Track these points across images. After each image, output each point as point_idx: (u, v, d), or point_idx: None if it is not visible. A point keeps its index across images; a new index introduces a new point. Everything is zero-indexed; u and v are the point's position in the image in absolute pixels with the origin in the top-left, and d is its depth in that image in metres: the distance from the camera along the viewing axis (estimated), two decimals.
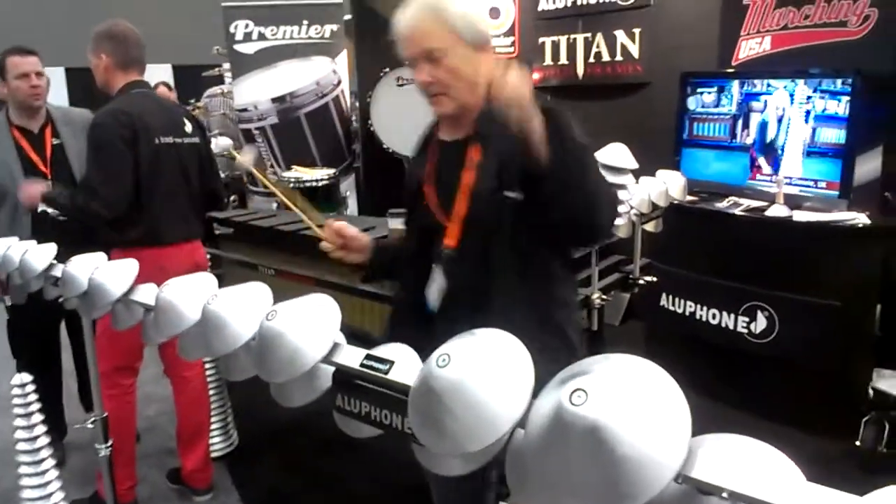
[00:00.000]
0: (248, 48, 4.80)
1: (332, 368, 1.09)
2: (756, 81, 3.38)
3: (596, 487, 0.75)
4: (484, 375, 0.86)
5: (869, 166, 3.12)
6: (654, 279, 3.04)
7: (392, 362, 1.01)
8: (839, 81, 3.01)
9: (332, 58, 4.88)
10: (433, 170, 1.62)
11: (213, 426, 2.99)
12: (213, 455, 2.96)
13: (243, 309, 1.20)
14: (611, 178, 2.15)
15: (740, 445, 0.83)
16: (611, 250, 2.98)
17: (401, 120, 4.51)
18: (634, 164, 2.22)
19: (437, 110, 1.55)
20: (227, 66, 5.32)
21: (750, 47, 3.65)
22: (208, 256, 2.89)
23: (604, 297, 2.45)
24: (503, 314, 1.32)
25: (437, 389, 0.87)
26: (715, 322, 3.27)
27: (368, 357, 1.04)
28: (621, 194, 2.19)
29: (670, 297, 3.47)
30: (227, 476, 2.93)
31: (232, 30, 4.78)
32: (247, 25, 4.75)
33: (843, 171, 3.02)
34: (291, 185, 4.27)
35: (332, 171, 4.44)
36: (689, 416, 0.77)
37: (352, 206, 4.85)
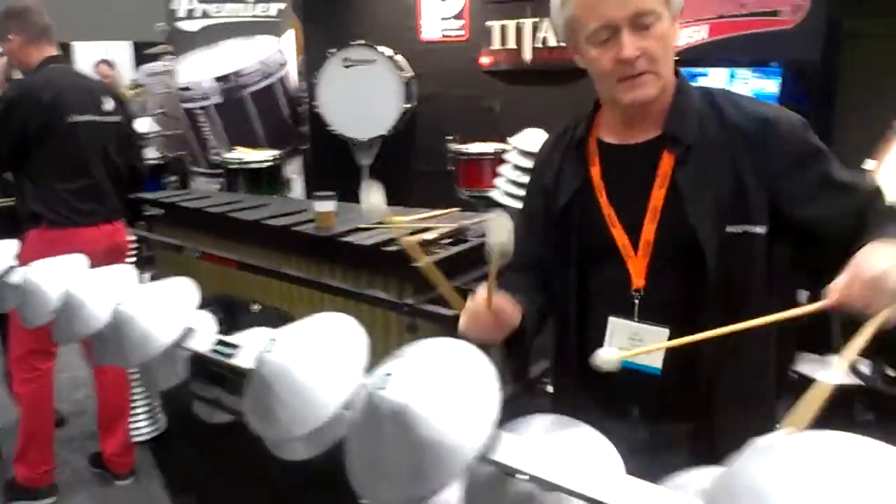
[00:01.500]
0: (191, 25, 4.70)
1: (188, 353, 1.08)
2: (694, 70, 3.41)
3: (402, 470, 0.75)
4: (309, 359, 0.85)
5: None
6: None
7: (239, 346, 1.00)
8: (770, 71, 3.05)
9: (278, 37, 4.80)
10: (602, 182, 1.27)
11: (137, 410, 2.97)
12: (138, 439, 2.94)
13: (99, 293, 1.17)
14: (527, 162, 2.16)
15: (564, 429, 0.84)
16: None
17: (347, 102, 4.47)
18: None
19: (636, 96, 1.18)
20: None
21: (689, 35, 3.67)
22: (134, 238, 2.84)
23: None
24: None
25: (264, 374, 0.86)
26: None
27: (219, 342, 1.03)
28: None
29: None
30: (151, 460, 2.91)
31: (174, 6, 4.68)
32: (190, 2, 4.66)
33: None
34: (237, 165, 4.22)
35: (276, 152, 4.38)
36: (498, 399, 0.77)
37: (298, 190, 4.80)
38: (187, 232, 3.12)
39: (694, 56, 3.52)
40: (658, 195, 1.20)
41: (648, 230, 1.21)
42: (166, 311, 1.07)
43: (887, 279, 0.94)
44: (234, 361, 0.98)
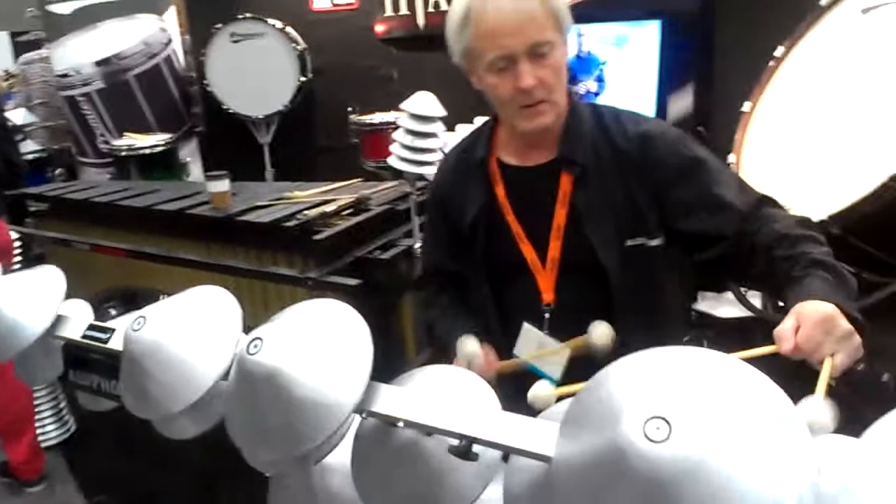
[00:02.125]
0: (63, 8, 4.42)
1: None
2: (575, 26, 3.47)
3: (278, 431, 0.75)
4: (180, 333, 0.84)
5: (682, 103, 3.29)
6: None
7: (113, 330, 0.97)
8: (649, 23, 3.14)
9: (160, 15, 4.58)
10: (507, 201, 1.32)
11: (44, 414, 2.86)
12: (48, 444, 2.83)
13: None
14: (419, 126, 2.15)
15: (442, 376, 0.86)
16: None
17: (240, 78, 4.32)
18: (442, 112, 2.23)
19: (536, 124, 1.23)
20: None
21: None
22: (17, 237, 2.70)
23: None
24: None
25: (135, 353, 0.84)
26: None
27: (91, 327, 1.00)
28: (432, 142, 2.21)
29: None
30: (64, 464, 2.80)
31: None
32: None
33: (657, 110, 3.17)
34: (127, 152, 4.03)
35: (168, 136, 4.21)
36: (371, 355, 0.78)
37: (197, 173, 4.63)
38: (76, 225, 2.99)
39: (574, 13, 3.58)
40: (560, 214, 1.27)
41: (554, 247, 1.28)
42: (34, 301, 1.02)
43: (835, 323, 0.96)
44: (109, 346, 0.95)
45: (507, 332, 1.35)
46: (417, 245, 2.27)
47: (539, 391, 1.08)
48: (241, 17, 4.30)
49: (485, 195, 1.33)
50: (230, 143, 4.58)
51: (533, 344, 1.30)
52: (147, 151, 4.03)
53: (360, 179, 3.06)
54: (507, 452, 0.71)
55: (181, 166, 4.32)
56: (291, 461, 0.81)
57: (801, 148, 2.30)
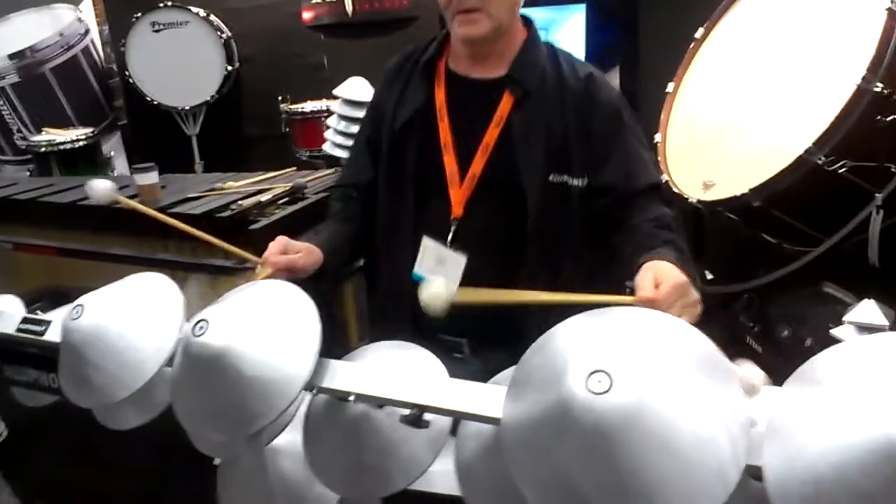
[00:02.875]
0: None
1: None
2: None
3: (229, 411, 0.76)
4: (121, 320, 0.82)
5: None
6: None
7: (49, 322, 0.94)
8: (575, 7, 3.20)
9: (76, 5, 4.39)
10: (444, 106, 1.31)
11: None
12: None
13: None
14: (353, 112, 2.15)
15: (388, 352, 0.87)
16: None
17: (163, 69, 4.19)
18: None
19: (468, 32, 1.24)
20: None
21: None
22: None
23: None
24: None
25: (75, 342, 0.83)
26: None
27: (24, 320, 0.97)
28: None
29: None
30: None
31: None
32: None
33: None
34: (46, 148, 3.86)
35: (89, 130, 4.05)
36: (319, 332, 0.79)
37: (121, 166, 4.48)
38: None
39: None
40: (493, 133, 1.26)
41: (477, 164, 1.27)
42: None
43: (689, 290, 1.02)
44: (46, 338, 0.93)
45: (417, 249, 1.31)
46: None
47: (432, 287, 0.93)
48: (162, 5, 4.16)
49: (423, 98, 1.33)
50: (156, 136, 4.45)
51: (432, 258, 1.27)
52: (68, 146, 3.87)
53: (293, 169, 3.02)
54: (458, 418, 0.73)
55: (105, 161, 4.16)
56: (243, 442, 0.81)
57: (722, 125, 2.39)
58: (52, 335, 0.93)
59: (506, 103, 1.27)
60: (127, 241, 2.45)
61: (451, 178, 1.29)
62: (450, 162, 1.29)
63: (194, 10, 4.16)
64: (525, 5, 1.33)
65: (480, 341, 1.30)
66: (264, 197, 2.40)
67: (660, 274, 1.02)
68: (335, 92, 2.17)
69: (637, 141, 1.31)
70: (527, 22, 1.36)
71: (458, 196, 1.29)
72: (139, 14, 4.16)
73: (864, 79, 1.76)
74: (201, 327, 0.74)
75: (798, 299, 2.33)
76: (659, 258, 1.07)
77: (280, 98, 4.03)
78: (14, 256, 2.55)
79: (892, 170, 1.83)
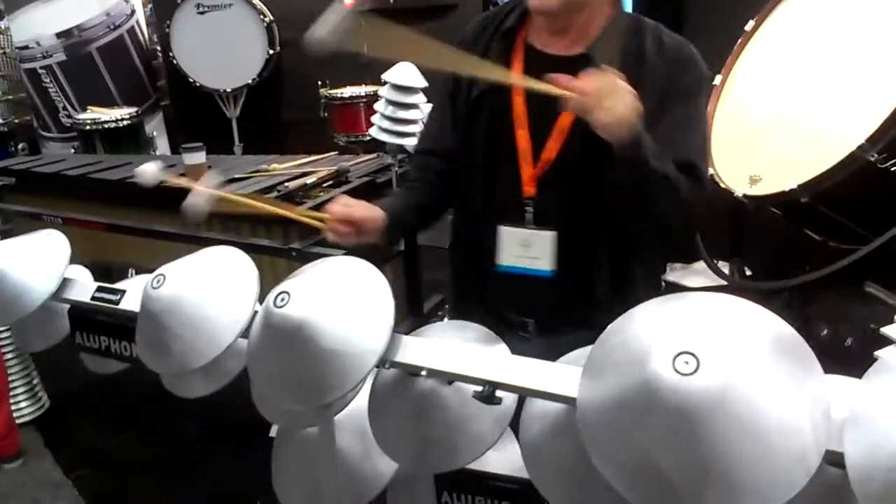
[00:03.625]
0: None
1: (67, 306, 1.03)
2: None
3: (305, 382, 0.78)
4: (200, 291, 0.85)
5: None
6: None
7: (124, 291, 0.97)
8: None
9: None
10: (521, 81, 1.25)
11: (17, 390, 2.82)
12: (22, 420, 2.79)
13: None
14: (401, 97, 2.16)
15: (457, 330, 0.89)
16: None
17: (206, 51, 4.23)
18: (424, 83, 2.24)
19: (537, 4, 1.20)
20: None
21: None
22: None
23: None
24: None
25: (155, 310, 0.85)
26: None
27: (100, 289, 1.00)
28: (412, 113, 2.21)
29: None
30: (40, 439, 2.77)
31: None
32: None
33: None
34: (92, 126, 3.94)
35: (133, 109, 4.12)
36: (393, 308, 0.80)
37: (163, 146, 4.54)
38: (46, 199, 2.91)
39: None
40: (567, 117, 1.22)
41: (552, 148, 1.25)
42: (39, 265, 1.02)
43: (625, 96, 1.06)
44: (121, 306, 0.96)
45: (490, 219, 1.31)
46: None
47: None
48: None
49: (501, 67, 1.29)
50: (197, 118, 4.50)
51: (515, 243, 1.27)
52: (113, 125, 3.93)
53: (335, 153, 3.04)
54: (531, 396, 0.75)
55: (148, 141, 4.22)
56: (312, 412, 0.83)
57: (770, 120, 2.36)
58: (127, 304, 0.96)
59: None
60: (172, 220, 2.49)
61: (524, 155, 1.27)
62: (522, 138, 1.26)
63: None
64: None
65: (547, 322, 1.31)
66: (310, 179, 2.42)
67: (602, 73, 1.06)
68: (383, 77, 2.18)
69: (697, 125, 1.27)
70: None
71: (529, 175, 1.27)
72: None
73: None
74: (283, 298, 0.76)
75: (839, 298, 2.30)
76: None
77: (319, 83, 4.05)
78: (64, 230, 2.61)
79: None
